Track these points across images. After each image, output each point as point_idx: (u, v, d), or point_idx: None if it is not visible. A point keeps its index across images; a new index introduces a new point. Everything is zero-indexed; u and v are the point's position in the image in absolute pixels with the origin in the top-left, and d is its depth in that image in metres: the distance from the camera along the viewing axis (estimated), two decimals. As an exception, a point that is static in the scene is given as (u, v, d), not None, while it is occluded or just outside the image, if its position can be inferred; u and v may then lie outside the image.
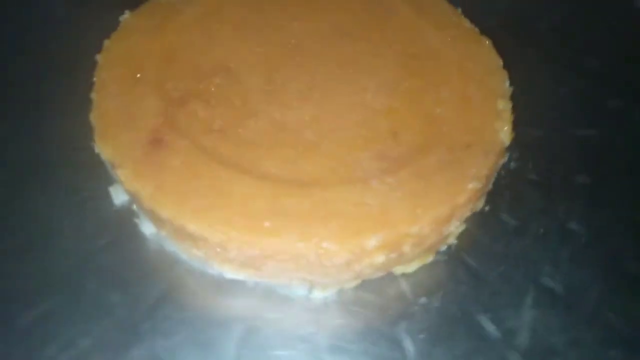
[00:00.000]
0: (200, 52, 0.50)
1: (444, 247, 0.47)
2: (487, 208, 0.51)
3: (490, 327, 0.44)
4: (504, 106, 0.47)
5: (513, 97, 0.58)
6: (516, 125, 0.55)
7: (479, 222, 0.50)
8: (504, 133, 0.46)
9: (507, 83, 0.49)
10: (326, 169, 0.43)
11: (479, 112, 0.47)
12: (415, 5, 0.54)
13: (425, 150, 0.45)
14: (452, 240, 0.47)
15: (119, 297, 0.43)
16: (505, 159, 0.53)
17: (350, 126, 0.46)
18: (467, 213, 0.44)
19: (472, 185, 0.43)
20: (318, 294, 0.44)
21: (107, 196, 0.48)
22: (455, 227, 0.44)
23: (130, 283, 0.44)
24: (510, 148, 0.54)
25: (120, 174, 0.42)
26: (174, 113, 0.45)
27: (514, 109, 0.56)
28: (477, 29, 0.54)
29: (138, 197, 0.42)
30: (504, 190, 0.52)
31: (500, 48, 0.60)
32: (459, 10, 0.55)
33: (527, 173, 0.54)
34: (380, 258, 0.41)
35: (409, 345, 0.43)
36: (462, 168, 0.43)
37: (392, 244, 0.41)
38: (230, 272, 0.43)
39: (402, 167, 0.43)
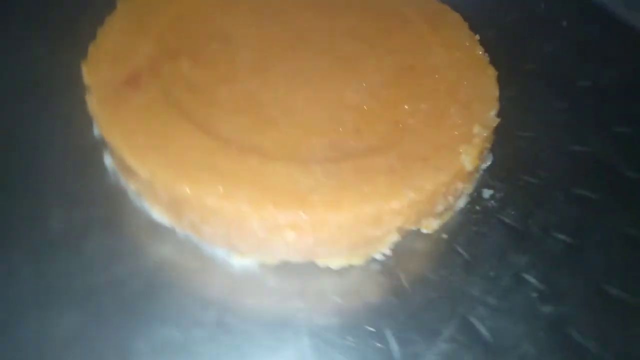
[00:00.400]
0: (210, 20, 0.53)
1: (379, 256, 0.46)
2: (444, 235, 0.49)
3: (394, 346, 0.42)
4: (479, 132, 0.45)
5: (522, 143, 0.56)
6: (512, 169, 0.54)
7: (431, 246, 0.48)
8: (468, 158, 0.44)
9: (494, 113, 0.48)
10: (275, 144, 0.44)
11: (449, 133, 0.45)
12: (431, 22, 0.54)
13: (379, 152, 0.44)
14: (384, 249, 0.45)
15: (61, 214, 0.46)
16: (486, 195, 0.51)
17: (316, 113, 0.47)
18: (399, 223, 0.43)
19: (409, 195, 0.41)
20: (237, 260, 0.44)
21: (90, 126, 0.51)
22: (383, 233, 0.43)
23: (76, 204, 0.47)
24: (495, 187, 0.52)
25: (88, 98, 0.45)
26: (161, 63, 0.48)
27: (517, 154, 0.55)
28: (487, 58, 0.52)
29: (97, 124, 0.45)
30: (470, 225, 0.50)
31: (529, 94, 0.59)
32: (477, 37, 0.54)
33: (504, 215, 0.51)
34: (291, 235, 0.40)
35: (304, 338, 0.42)
36: (406, 177, 0.42)
37: (306, 225, 0.40)
38: (157, 213, 0.45)
39: (348, 160, 0.43)
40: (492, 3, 0.70)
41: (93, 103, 0.45)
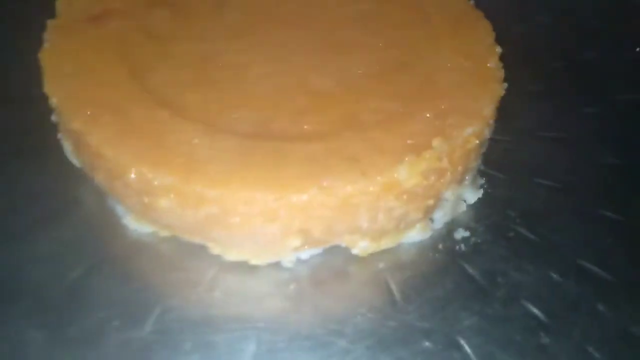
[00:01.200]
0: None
1: (287, 263, 0.39)
2: (381, 264, 0.40)
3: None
4: (438, 146, 0.36)
5: (539, 190, 0.45)
6: (508, 216, 0.44)
7: (358, 271, 0.40)
8: (408, 171, 0.35)
9: (471, 131, 0.38)
10: (200, 105, 0.40)
11: (401, 140, 0.37)
12: (452, 24, 0.46)
13: (309, 141, 0.37)
14: (289, 256, 0.38)
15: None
16: (458, 236, 0.42)
17: (266, 88, 0.41)
18: (298, 223, 0.35)
19: (311, 192, 0.34)
20: (130, 222, 0.40)
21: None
22: (282, 233, 0.35)
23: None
24: (474, 231, 0.43)
25: (49, 23, 0.44)
26: (139, 8, 0.46)
27: (524, 201, 0.44)
28: (501, 73, 0.43)
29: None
30: (421, 264, 0.41)
31: (572, 142, 0.49)
32: (499, 50, 0.45)
33: (469, 265, 0.41)
34: (164, 202, 0.35)
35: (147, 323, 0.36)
36: (321, 172, 0.35)
37: (185, 197, 0.35)
38: (68, 152, 0.42)
39: (270, 140, 0.37)
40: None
41: (50, 29, 0.43)
